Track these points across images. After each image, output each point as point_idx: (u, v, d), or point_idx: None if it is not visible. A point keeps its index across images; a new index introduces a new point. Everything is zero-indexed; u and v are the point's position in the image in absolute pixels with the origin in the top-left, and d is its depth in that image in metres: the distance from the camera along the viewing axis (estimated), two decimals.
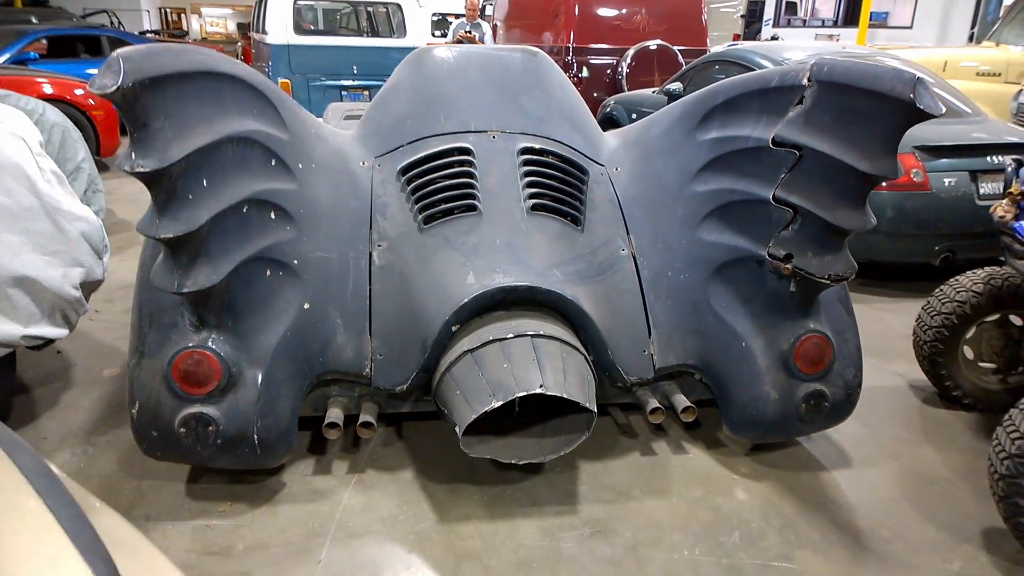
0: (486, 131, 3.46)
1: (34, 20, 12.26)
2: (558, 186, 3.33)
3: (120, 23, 16.63)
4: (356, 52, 9.94)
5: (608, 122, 8.44)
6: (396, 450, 3.26)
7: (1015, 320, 3.64)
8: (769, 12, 20.62)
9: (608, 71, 10.61)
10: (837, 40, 17.91)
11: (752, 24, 20.96)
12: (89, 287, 3.37)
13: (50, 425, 3.41)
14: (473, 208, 3.17)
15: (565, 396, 2.65)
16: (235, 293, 2.66)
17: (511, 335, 2.81)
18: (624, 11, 10.83)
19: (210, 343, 2.68)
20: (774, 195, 2.86)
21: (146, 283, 2.79)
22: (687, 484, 3.10)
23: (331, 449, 3.24)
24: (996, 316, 3.63)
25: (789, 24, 20.71)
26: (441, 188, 3.26)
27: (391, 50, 9.77)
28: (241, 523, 2.80)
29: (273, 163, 2.80)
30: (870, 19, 16.94)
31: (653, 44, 10.55)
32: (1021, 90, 8.31)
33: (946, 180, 5.18)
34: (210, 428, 2.70)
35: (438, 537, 2.76)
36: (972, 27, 18.16)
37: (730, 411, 3.13)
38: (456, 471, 3.11)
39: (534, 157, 3.40)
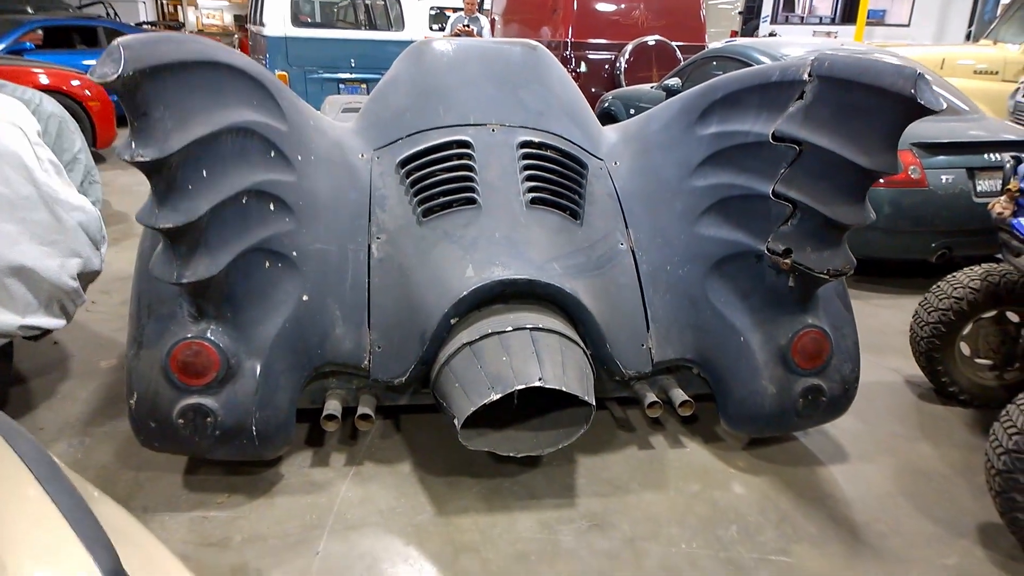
0: (485, 124, 3.46)
1: (30, 10, 12.20)
2: (557, 180, 3.33)
3: (116, 14, 16.56)
4: (354, 45, 9.91)
5: (606, 117, 8.43)
6: (394, 443, 3.26)
7: (1012, 316, 3.65)
8: (767, 9, 20.61)
9: (606, 66, 10.61)
10: (835, 37, 17.91)
11: (750, 21, 20.95)
12: (87, 278, 3.36)
13: (47, 416, 3.40)
14: (472, 201, 3.17)
15: (564, 389, 2.66)
16: (234, 284, 2.65)
17: (510, 328, 2.81)
18: (623, 6, 10.82)
19: (209, 334, 2.67)
20: (774, 190, 2.86)
21: (145, 273, 2.78)
22: (685, 478, 3.10)
23: (329, 441, 3.24)
24: (993, 312, 3.64)
25: (787, 21, 20.72)
26: (440, 181, 3.26)
27: (389, 43, 9.75)
28: (239, 515, 2.80)
29: (272, 154, 2.80)
30: (867, 17, 16.96)
31: (651, 40, 10.54)
32: (1018, 88, 8.32)
33: (943, 177, 5.19)
34: (208, 419, 2.69)
35: (436, 529, 2.76)
36: (969, 25, 18.18)
37: (728, 405, 3.14)
38: (454, 464, 3.11)
39: (533, 151, 3.39)
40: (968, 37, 17.43)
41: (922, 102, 2.44)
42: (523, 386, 2.63)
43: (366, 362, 2.99)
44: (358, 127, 3.68)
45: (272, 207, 2.79)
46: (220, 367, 2.67)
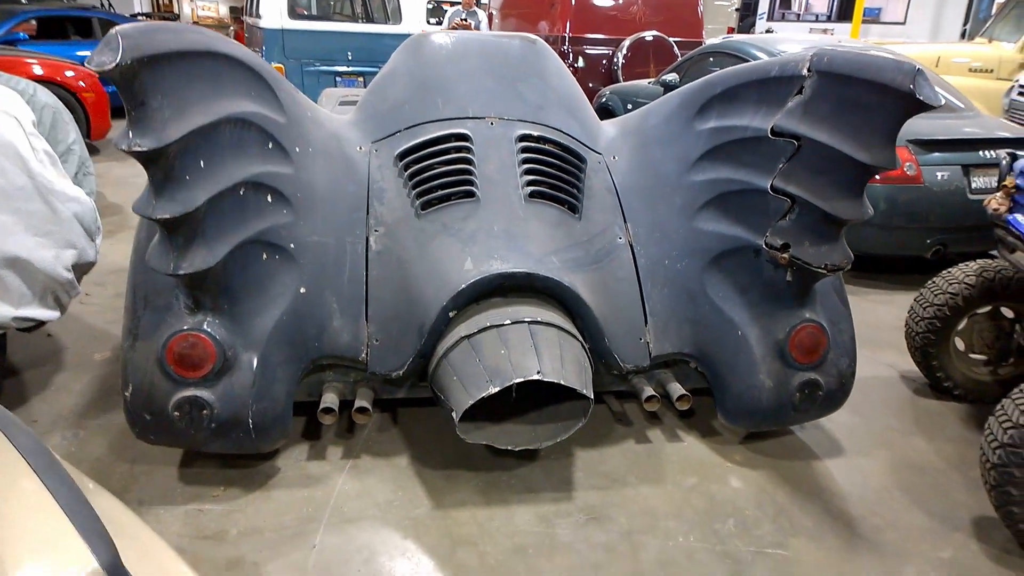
0: (484, 117, 3.45)
1: (23, 0, 12.12)
2: (556, 173, 3.32)
3: (111, 5, 16.49)
4: (351, 38, 9.88)
5: (603, 112, 8.42)
6: (391, 436, 3.26)
7: (1006, 312, 3.66)
8: (763, 6, 20.61)
9: (604, 61, 10.60)
10: (831, 34, 17.93)
11: (746, 18, 20.95)
12: (81, 269, 3.34)
13: (41, 408, 3.39)
14: (471, 194, 3.16)
15: (562, 383, 2.65)
16: (231, 276, 2.64)
17: (508, 321, 2.81)
18: (620, 2, 10.82)
19: (205, 326, 2.66)
20: (772, 185, 2.86)
21: (141, 265, 2.77)
22: (682, 472, 3.10)
23: (326, 434, 3.23)
24: (988, 308, 3.65)
25: (783, 18, 20.72)
26: (439, 174, 3.25)
27: (386, 36, 9.72)
28: (235, 508, 2.79)
29: (270, 146, 2.78)
30: (863, 15, 16.98)
31: (649, 35, 10.54)
32: (1013, 86, 8.34)
33: (939, 174, 5.20)
34: (204, 412, 2.68)
35: (433, 523, 2.76)
36: (964, 24, 18.22)
37: (725, 399, 3.14)
38: (451, 457, 3.11)
39: (532, 144, 3.39)
40: (963, 35, 17.47)
41: (921, 98, 2.44)
42: (522, 379, 2.63)
43: (363, 355, 2.98)
44: (356, 119, 3.67)
45: (270, 199, 2.78)
46: (216, 359, 2.66)
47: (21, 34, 10.47)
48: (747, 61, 5.88)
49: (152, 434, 2.77)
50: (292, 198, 2.88)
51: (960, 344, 3.75)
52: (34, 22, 11.03)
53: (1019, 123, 7.09)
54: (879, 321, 4.79)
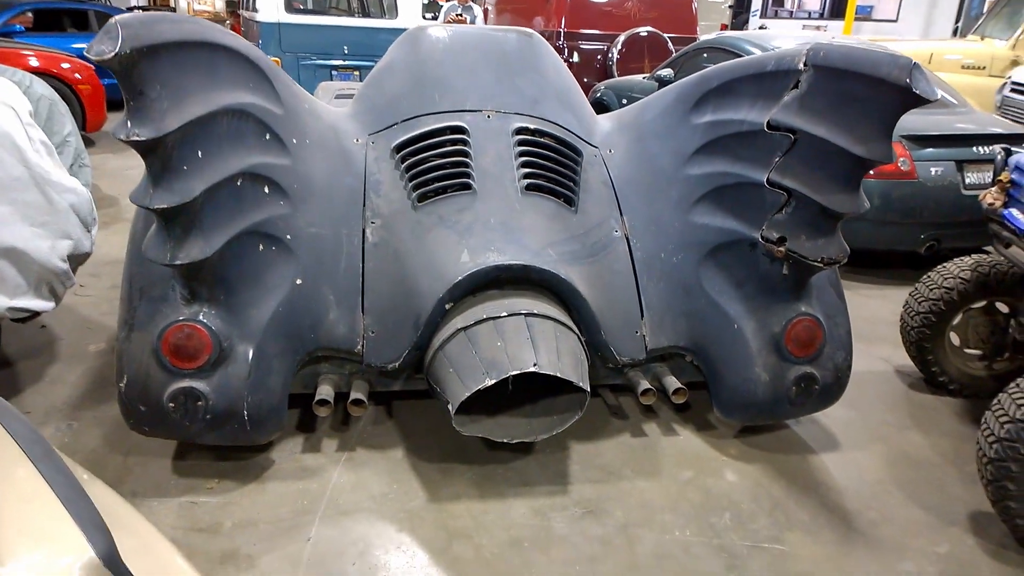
0: (481, 110, 3.44)
1: None
2: (552, 166, 3.32)
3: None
4: (347, 32, 9.84)
5: (598, 107, 8.40)
6: (386, 429, 3.25)
7: (1001, 307, 3.67)
8: (756, 3, 20.62)
9: (599, 57, 10.59)
10: (824, 31, 17.95)
11: (740, 15, 20.96)
12: (77, 260, 3.33)
13: (34, 399, 3.37)
14: (467, 187, 3.15)
15: (559, 375, 2.65)
16: (228, 267, 2.63)
17: (505, 314, 2.80)
18: None
19: (201, 317, 2.65)
20: (768, 178, 2.86)
21: (137, 255, 2.75)
22: (678, 465, 3.10)
23: (321, 427, 3.23)
24: (982, 303, 3.66)
25: (776, 15, 20.73)
26: (435, 166, 3.25)
27: (382, 31, 9.69)
28: (229, 500, 2.78)
29: (267, 137, 2.77)
30: (855, 12, 16.98)
31: (644, 31, 10.54)
32: (1005, 83, 8.37)
33: (932, 169, 5.21)
34: (199, 403, 2.67)
35: (429, 516, 2.75)
36: (956, 21, 18.26)
37: (721, 393, 3.14)
38: (447, 450, 3.10)
39: (529, 137, 3.38)
40: (955, 33, 17.51)
41: (917, 91, 2.45)
42: (518, 371, 2.63)
43: (359, 347, 2.97)
44: (353, 112, 3.66)
45: (267, 190, 2.77)
46: (212, 350, 2.65)
47: (17, 26, 10.41)
48: (741, 57, 5.88)
49: (147, 425, 2.76)
50: (289, 189, 2.87)
51: (955, 339, 3.76)
52: (30, 14, 10.97)
53: (1012, 119, 7.11)
54: (873, 316, 4.80)
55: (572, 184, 3.31)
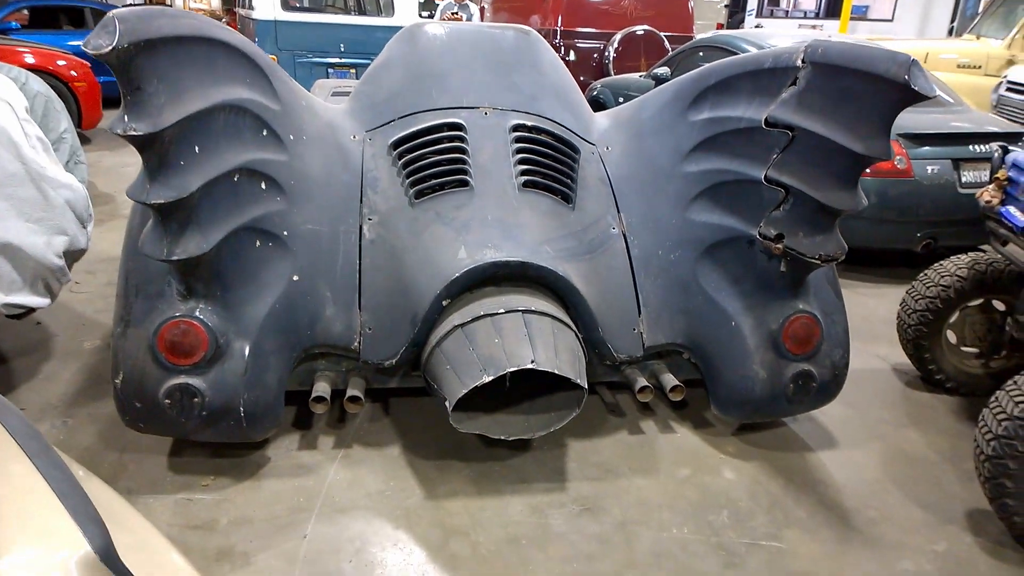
0: (478, 107, 3.44)
1: None
2: (550, 163, 3.31)
3: None
4: (343, 30, 9.83)
5: (594, 105, 8.39)
6: (383, 426, 3.24)
7: (998, 305, 3.67)
8: (752, 2, 20.64)
9: (595, 55, 10.59)
10: (820, 30, 17.97)
11: (735, 14, 20.97)
12: (72, 256, 3.31)
13: (29, 396, 3.35)
14: (465, 183, 3.14)
15: (556, 372, 2.64)
16: (224, 263, 2.62)
17: (502, 310, 2.79)
18: None
19: (197, 313, 2.64)
20: (766, 175, 2.86)
21: (133, 251, 2.74)
22: (675, 463, 3.10)
23: (317, 424, 3.22)
24: (979, 301, 3.66)
25: (772, 15, 20.75)
26: (433, 163, 3.24)
27: (378, 29, 9.68)
28: (225, 497, 2.77)
29: (265, 133, 2.76)
30: (851, 12, 17.00)
31: (640, 29, 10.53)
32: (1001, 82, 8.39)
33: (929, 168, 5.22)
34: (195, 400, 2.66)
35: (426, 513, 2.74)
36: (952, 21, 18.29)
37: (718, 390, 3.14)
38: (443, 448, 3.09)
39: (526, 134, 3.37)
40: (950, 32, 17.54)
41: (916, 88, 2.44)
42: (515, 368, 2.62)
43: (356, 344, 2.96)
44: (350, 109, 3.65)
45: (264, 186, 2.75)
46: (208, 347, 2.64)
47: (13, 23, 10.37)
48: (737, 55, 5.88)
49: (142, 422, 2.75)
50: (286, 186, 2.86)
51: (952, 337, 3.76)
52: (26, 11, 10.93)
53: (1008, 118, 7.12)
54: (870, 314, 4.80)
55: (569, 181, 3.30)
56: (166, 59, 2.25)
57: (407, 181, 3.19)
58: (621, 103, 6.59)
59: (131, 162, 7.67)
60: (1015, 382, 2.66)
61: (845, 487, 3.01)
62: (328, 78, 8.95)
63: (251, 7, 9.63)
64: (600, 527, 2.71)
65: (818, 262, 2.81)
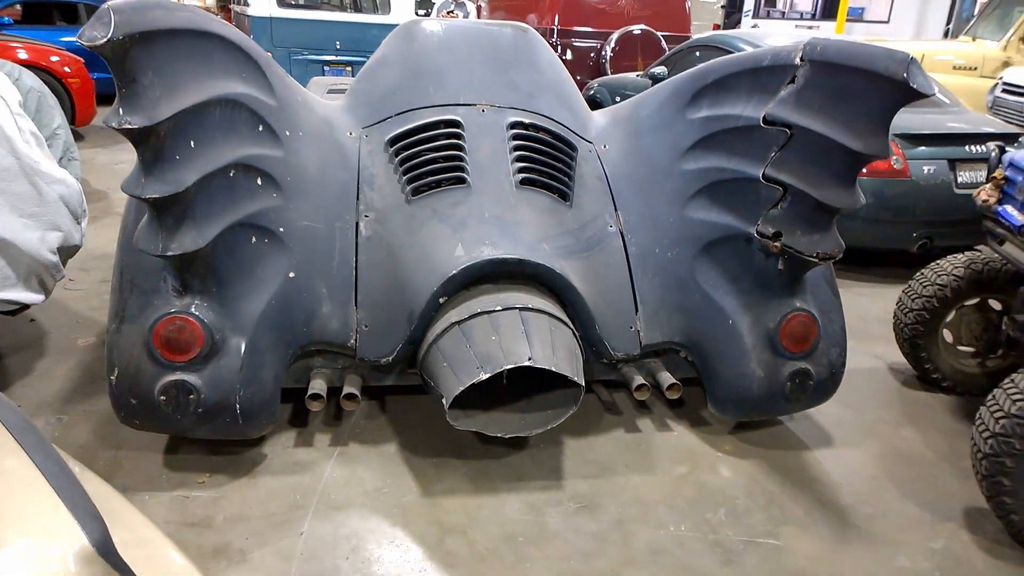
0: (475, 104, 3.43)
1: None
2: (547, 161, 3.31)
3: None
4: (339, 27, 9.81)
5: (592, 104, 8.35)
6: (379, 424, 3.23)
7: (994, 304, 3.67)
8: (748, 3, 20.66)
9: (592, 54, 10.60)
10: (817, 31, 18.01)
11: (732, 15, 21.00)
12: (67, 252, 3.30)
13: (24, 393, 3.33)
14: (462, 180, 3.13)
15: (554, 369, 2.64)
16: (220, 259, 2.61)
17: (499, 308, 2.79)
18: None
19: (193, 309, 2.62)
20: (764, 173, 2.85)
21: (128, 246, 2.72)
22: (672, 461, 3.09)
23: (313, 422, 3.20)
24: (976, 300, 3.66)
25: (768, 16, 20.78)
26: (429, 160, 3.23)
27: (374, 26, 9.67)
28: (221, 494, 2.76)
29: (260, 128, 2.75)
30: (847, 14, 17.03)
31: (637, 29, 10.54)
32: (997, 83, 8.41)
33: (925, 168, 5.22)
34: (191, 396, 2.64)
35: (422, 511, 2.73)
36: (948, 23, 18.34)
37: (715, 388, 3.13)
38: (440, 445, 3.08)
39: (523, 132, 3.37)
40: (946, 34, 17.59)
41: (914, 86, 2.45)
42: (512, 365, 2.61)
43: (352, 341, 2.95)
44: (347, 105, 3.64)
45: (259, 182, 2.74)
46: (204, 343, 2.62)
47: (5, 18, 10.32)
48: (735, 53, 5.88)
49: (138, 419, 2.73)
50: (282, 182, 2.84)
51: (948, 336, 3.76)
52: (19, 6, 10.88)
53: (1004, 119, 7.14)
54: (865, 313, 4.80)
55: (567, 179, 3.30)
56: (162, 52, 2.23)
57: (404, 178, 3.18)
58: (618, 102, 6.59)
59: (125, 159, 7.64)
60: (1012, 380, 2.66)
61: (842, 485, 3.01)
62: (324, 76, 8.94)
63: (246, 3, 9.60)
64: (597, 525, 2.70)
65: (816, 260, 2.81)
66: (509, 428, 2.87)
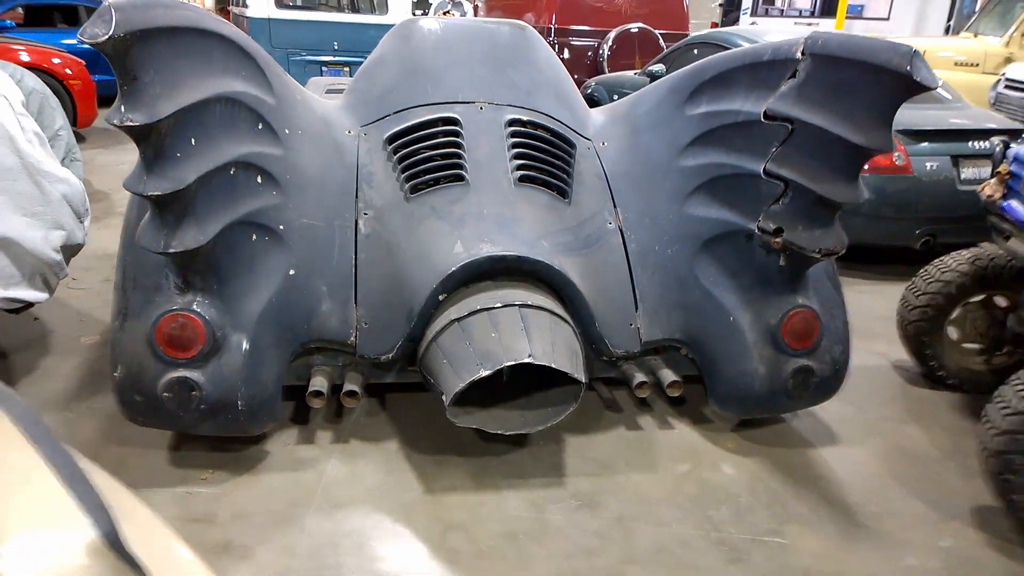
0: (474, 102, 3.42)
1: None
2: (546, 158, 3.30)
3: None
4: (337, 28, 9.81)
5: (589, 103, 8.32)
6: (380, 421, 3.22)
7: (1000, 301, 3.65)
8: (747, 1, 20.65)
9: (589, 53, 10.59)
10: (817, 27, 18.00)
11: (730, 13, 20.98)
12: (70, 251, 3.30)
13: (28, 391, 3.33)
14: (460, 178, 3.13)
15: (554, 366, 2.63)
16: (221, 256, 2.61)
17: (499, 304, 2.78)
18: None
19: (195, 306, 2.63)
20: (766, 169, 2.84)
21: (130, 244, 2.73)
22: (674, 458, 3.09)
23: (314, 419, 3.20)
24: (981, 297, 3.64)
25: (767, 14, 20.76)
26: (428, 157, 3.23)
27: (372, 27, 9.66)
28: (224, 491, 2.76)
29: (260, 127, 2.75)
30: (846, 11, 17.02)
31: (635, 27, 10.53)
32: (999, 79, 8.39)
33: (928, 164, 5.20)
34: (194, 393, 2.64)
35: (424, 508, 2.73)
36: (948, 20, 18.32)
37: (717, 386, 3.12)
38: (441, 443, 3.08)
39: (522, 129, 3.36)
40: (947, 32, 17.57)
41: (918, 79, 2.44)
42: (513, 362, 2.61)
43: (352, 338, 2.95)
44: (345, 104, 3.64)
45: (259, 179, 2.74)
46: (206, 340, 2.63)
47: (8, 22, 10.33)
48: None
49: (141, 416, 2.74)
50: (281, 179, 2.84)
51: (953, 333, 3.73)
52: (21, 10, 10.89)
53: (1006, 115, 7.12)
54: (867, 311, 4.78)
55: (565, 176, 3.29)
56: (162, 49, 2.24)
57: (402, 176, 3.18)
58: (616, 101, 6.59)
59: (126, 160, 7.64)
60: (1020, 377, 2.65)
61: (846, 483, 3.00)
62: (322, 76, 8.93)
63: (245, 5, 9.60)
64: (599, 522, 2.70)
65: (818, 256, 2.80)
66: (510, 425, 2.87)
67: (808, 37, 2.77)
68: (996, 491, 2.63)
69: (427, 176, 3.17)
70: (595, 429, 3.25)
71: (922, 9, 19.21)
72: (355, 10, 10.45)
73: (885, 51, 2.52)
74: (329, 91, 5.28)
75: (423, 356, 2.86)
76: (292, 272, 2.87)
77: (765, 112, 2.84)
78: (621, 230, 3.27)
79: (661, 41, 10.43)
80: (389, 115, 3.43)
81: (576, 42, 10.61)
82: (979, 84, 8.91)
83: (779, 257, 2.92)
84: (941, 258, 3.69)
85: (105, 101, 8.62)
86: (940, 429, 3.44)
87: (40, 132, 3.22)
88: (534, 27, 3.98)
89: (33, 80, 3.76)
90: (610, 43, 10.44)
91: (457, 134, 3.28)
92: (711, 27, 17.02)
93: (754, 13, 20.46)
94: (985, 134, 5.28)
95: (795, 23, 19.30)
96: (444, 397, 2.67)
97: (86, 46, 2.12)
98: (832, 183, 2.70)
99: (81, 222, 3.32)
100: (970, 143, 5.28)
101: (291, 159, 2.93)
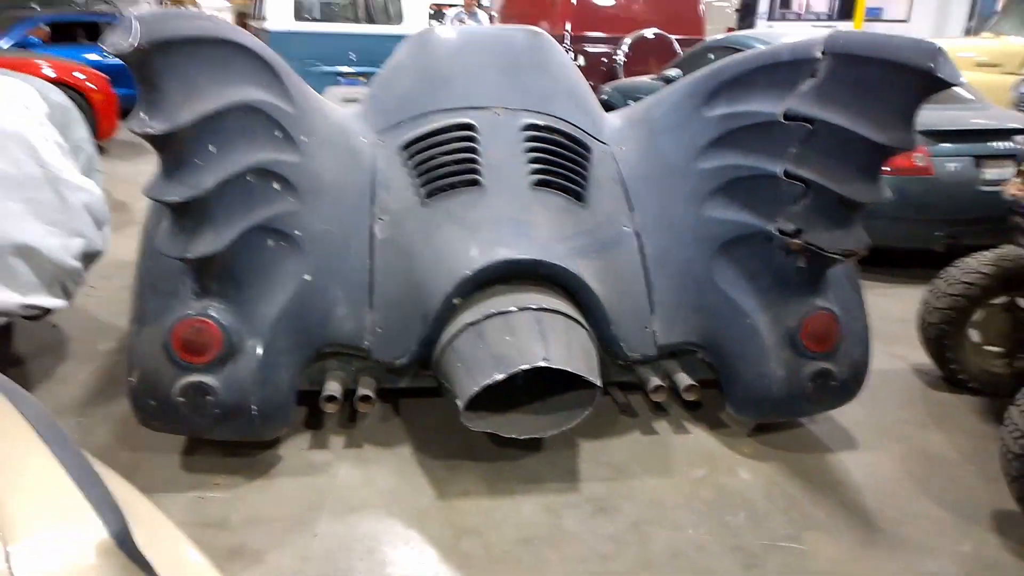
0: (489, 107, 3.42)
1: (35, 6, 12.13)
2: (561, 162, 3.29)
3: (120, 12, 16.49)
4: (354, 39, 9.89)
5: (605, 109, 8.36)
6: (393, 426, 3.22)
7: (1022, 303, 3.59)
8: (763, 6, 20.58)
9: (604, 59, 10.57)
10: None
11: (746, 19, 20.93)
12: (89, 258, 3.35)
13: (44, 397, 3.35)
14: (476, 182, 3.13)
15: (569, 370, 2.61)
16: (237, 262, 2.63)
17: (514, 308, 2.77)
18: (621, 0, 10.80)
19: (211, 311, 2.64)
20: (786, 170, 2.81)
21: (149, 250, 2.77)
22: (689, 463, 3.05)
23: (328, 423, 3.19)
24: (1003, 299, 3.58)
25: (784, 18, 20.69)
26: (444, 163, 3.23)
27: (388, 38, 9.70)
28: (237, 496, 2.76)
29: (278, 134, 2.77)
30: (865, 14, 16.93)
31: (650, 33, 10.50)
32: (1022, 79, 8.30)
33: (949, 165, 5.14)
34: (209, 397, 2.65)
35: (437, 513, 2.72)
36: (969, 20, 18.17)
37: (735, 389, 3.09)
38: (455, 447, 3.06)
39: (538, 133, 3.35)
40: (967, 33, 17.42)
41: (942, 76, 2.42)
42: (528, 366, 2.59)
43: (367, 343, 2.95)
44: (362, 111, 3.67)
45: (277, 186, 2.76)
46: (222, 345, 2.64)
47: (35, 39, 10.49)
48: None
49: (156, 420, 2.75)
50: (299, 186, 2.86)
51: (975, 336, 3.67)
52: (47, 28, 11.05)
53: None
54: (886, 313, 4.71)
55: (581, 180, 3.28)
56: (183, 59, 2.29)
57: (418, 181, 3.18)
58: None
59: (146, 171, 7.65)
60: None
61: (865, 488, 2.95)
62: (339, 86, 8.99)
63: (264, 18, 9.71)
64: (614, 527, 2.67)
65: (839, 257, 2.77)
66: (524, 430, 2.85)
67: (829, 36, 2.76)
68: (1017, 495, 2.59)
69: (443, 181, 3.17)
70: (610, 433, 3.22)
71: (942, 11, 19.07)
72: (371, 21, 10.51)
73: (908, 48, 2.50)
74: (346, 100, 5.31)
75: (438, 360, 2.85)
76: (308, 277, 2.87)
77: (785, 112, 2.82)
78: (637, 233, 3.25)
79: (677, 47, 10.38)
80: (405, 121, 3.44)
81: (591, 49, 10.59)
82: (1001, 84, 8.81)
83: (798, 259, 2.89)
84: (963, 259, 3.64)
85: (126, 114, 8.73)
86: (960, 433, 3.38)
87: (62, 142, 3.27)
88: (549, 34, 3.99)
89: (57, 94, 3.82)
90: (625, 49, 10.41)
91: (473, 139, 3.28)
92: (726, 32, 17.00)
93: (771, 17, 20.41)
94: (1007, 134, 5.21)
95: (812, 27, 19.21)
96: (458, 401, 2.66)
97: (108, 60, 2.17)
98: (854, 183, 2.67)
99: (100, 230, 3.37)
100: (992, 143, 5.20)
101: (308, 166, 2.94)
